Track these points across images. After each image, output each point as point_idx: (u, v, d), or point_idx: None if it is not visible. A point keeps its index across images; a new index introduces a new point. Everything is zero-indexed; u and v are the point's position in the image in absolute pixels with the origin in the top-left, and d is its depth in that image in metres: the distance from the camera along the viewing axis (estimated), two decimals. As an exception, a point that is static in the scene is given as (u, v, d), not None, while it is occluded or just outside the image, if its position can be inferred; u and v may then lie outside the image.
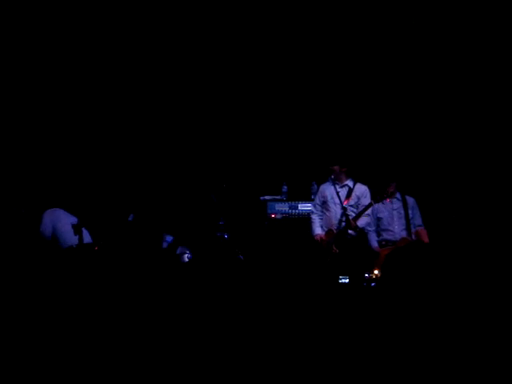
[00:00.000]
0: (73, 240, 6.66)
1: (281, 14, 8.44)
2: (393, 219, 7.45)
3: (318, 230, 7.11)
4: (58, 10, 7.91)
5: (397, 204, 7.49)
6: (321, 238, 7.03)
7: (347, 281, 7.05)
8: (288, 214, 8.39)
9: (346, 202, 7.01)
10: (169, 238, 8.39)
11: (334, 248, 6.87)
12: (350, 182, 7.13)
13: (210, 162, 9.01)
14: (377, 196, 7.00)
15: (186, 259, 8.06)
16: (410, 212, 7.43)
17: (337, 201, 7.06)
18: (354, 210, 7.01)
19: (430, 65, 8.56)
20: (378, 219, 7.50)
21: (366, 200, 7.02)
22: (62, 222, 6.85)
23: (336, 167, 7.13)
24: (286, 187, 8.49)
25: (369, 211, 6.99)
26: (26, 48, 8.10)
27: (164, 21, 8.33)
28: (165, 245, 8.24)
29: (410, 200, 7.54)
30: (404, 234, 7.37)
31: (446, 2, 8.13)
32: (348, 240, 6.91)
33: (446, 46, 8.41)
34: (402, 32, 8.46)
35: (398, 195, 7.52)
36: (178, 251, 8.25)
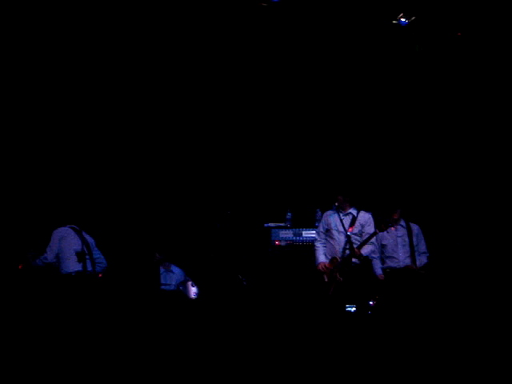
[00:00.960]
0: (74, 267, 6.65)
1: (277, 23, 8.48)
2: (397, 246, 7.43)
3: (322, 258, 7.08)
4: (58, 10, 7.93)
5: (401, 231, 7.47)
6: (325, 265, 7.00)
7: (354, 309, 7.01)
8: (292, 240, 8.39)
9: (350, 230, 7.00)
10: (175, 269, 8.40)
11: (338, 276, 6.84)
12: (353, 210, 7.12)
13: (214, 189, 9.04)
14: (381, 224, 6.96)
15: (192, 293, 8.06)
16: (414, 239, 7.41)
17: (341, 229, 7.04)
18: (358, 238, 6.99)
19: (433, 88, 8.61)
20: (383, 246, 7.49)
21: (370, 228, 7.00)
22: (68, 245, 6.80)
23: (340, 197, 7.12)
24: (290, 214, 8.50)
25: (373, 239, 6.96)
26: (26, 48, 8.12)
27: (164, 23, 8.36)
28: (170, 276, 8.26)
29: (415, 227, 7.53)
30: (408, 261, 7.35)
31: (444, 2, 8.18)
32: (352, 268, 6.89)
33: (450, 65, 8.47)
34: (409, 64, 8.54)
35: (402, 222, 7.51)
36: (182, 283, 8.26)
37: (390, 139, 8.84)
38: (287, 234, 8.40)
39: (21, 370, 3.97)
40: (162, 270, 8.23)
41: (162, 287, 7.99)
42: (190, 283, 8.18)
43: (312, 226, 8.28)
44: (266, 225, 8.50)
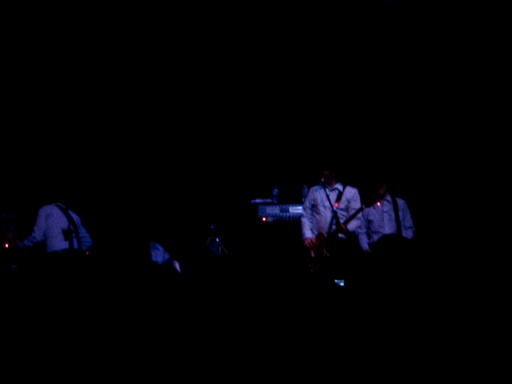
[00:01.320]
0: (60, 244, 6.63)
1: (276, 15, 8.44)
2: (383, 221, 7.46)
3: (309, 234, 7.09)
4: (58, 10, 7.87)
5: (387, 206, 7.49)
6: (311, 241, 7.02)
7: (342, 284, 7.05)
8: (279, 216, 8.39)
9: (336, 206, 7.01)
10: (159, 246, 8.39)
11: (325, 252, 6.86)
12: (339, 186, 7.12)
13: (200, 165, 9.01)
14: (367, 199, 6.98)
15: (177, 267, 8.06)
16: (400, 214, 7.44)
17: (327, 204, 7.04)
18: (344, 214, 7.01)
19: (416, 64, 8.59)
20: (369, 221, 7.51)
21: (356, 203, 7.02)
22: (54, 223, 6.78)
23: (326, 172, 7.12)
24: (276, 190, 8.48)
25: (359, 214, 6.98)
26: (26, 48, 8.08)
27: (164, 21, 8.32)
28: (156, 253, 8.24)
29: (401, 202, 7.55)
30: (394, 236, 7.40)
31: (445, 2, 8.15)
32: (339, 243, 6.91)
33: (437, 46, 8.44)
34: (393, 33, 8.49)
35: (388, 197, 7.52)
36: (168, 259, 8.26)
37: (377, 113, 8.82)
38: (274, 210, 8.40)
39: (9, 351, 3.96)
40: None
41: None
42: (174, 260, 8.18)
43: (299, 201, 8.28)
44: (252, 201, 8.49)
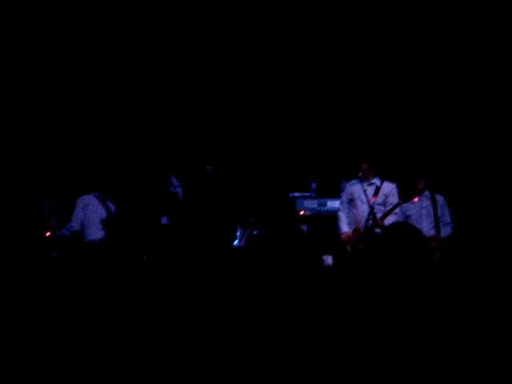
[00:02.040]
0: (97, 234, 6.75)
1: (295, 15, 8.42)
2: (421, 217, 7.36)
3: (345, 228, 7.08)
4: (58, 10, 7.97)
5: (426, 202, 7.39)
6: (348, 235, 7.01)
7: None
8: (317, 210, 8.38)
9: (372, 200, 6.97)
10: None
11: (361, 246, 6.84)
12: (377, 181, 7.08)
13: (240, 159, 9.05)
14: (405, 195, 6.93)
15: None
16: (439, 210, 7.34)
17: (364, 199, 7.01)
18: (382, 209, 6.95)
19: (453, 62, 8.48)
20: (407, 217, 7.42)
21: (394, 198, 6.96)
22: (92, 213, 6.90)
23: (365, 166, 7.08)
24: (315, 184, 8.48)
25: (397, 210, 6.92)
26: (26, 48, 8.21)
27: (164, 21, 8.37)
28: None
29: (440, 198, 7.44)
30: (433, 232, 7.28)
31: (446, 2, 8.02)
32: (375, 238, 6.85)
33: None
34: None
35: (427, 193, 7.42)
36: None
37: (416, 108, 8.72)
38: (312, 203, 8.40)
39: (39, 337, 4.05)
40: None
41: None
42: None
43: (337, 195, 8.23)
44: (290, 194, 8.50)
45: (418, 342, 2.44)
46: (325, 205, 8.36)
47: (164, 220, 6.95)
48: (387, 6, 8.23)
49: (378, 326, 2.53)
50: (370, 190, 7.04)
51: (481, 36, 8.13)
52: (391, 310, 2.56)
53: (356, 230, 6.97)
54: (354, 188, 7.13)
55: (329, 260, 7.81)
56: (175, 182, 7.07)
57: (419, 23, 8.35)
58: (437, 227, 7.29)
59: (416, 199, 7.13)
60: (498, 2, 7.80)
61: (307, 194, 8.49)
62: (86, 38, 8.32)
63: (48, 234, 6.98)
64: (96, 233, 6.76)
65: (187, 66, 8.90)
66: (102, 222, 6.73)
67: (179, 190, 7.06)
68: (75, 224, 6.87)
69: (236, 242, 8.09)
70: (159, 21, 8.37)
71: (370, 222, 6.87)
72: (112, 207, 7.09)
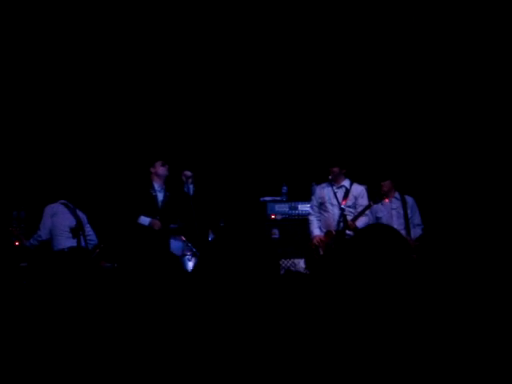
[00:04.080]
0: (67, 242, 6.67)
1: (279, 15, 8.44)
2: (392, 218, 7.42)
3: (317, 232, 7.10)
4: (58, 10, 7.91)
5: (396, 203, 7.46)
6: (320, 239, 7.03)
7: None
8: (288, 214, 8.38)
9: (343, 203, 7.00)
10: (172, 244, 8.40)
11: (333, 248, 6.86)
12: (346, 183, 7.13)
13: (211, 163, 9.02)
14: (375, 196, 7.00)
15: (189, 262, 8.07)
16: (409, 211, 7.40)
17: (334, 202, 7.05)
18: (352, 211, 7.01)
19: (420, 64, 8.55)
20: (377, 218, 7.48)
21: (364, 200, 7.02)
22: (61, 221, 6.81)
23: (336, 169, 7.12)
24: (285, 188, 8.48)
25: (367, 212, 6.98)
26: (26, 48, 8.13)
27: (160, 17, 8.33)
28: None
29: (409, 199, 7.51)
30: (403, 233, 7.33)
31: (445, 2, 8.11)
32: (347, 240, 6.90)
33: (439, 46, 8.40)
34: (394, 32, 8.46)
35: (397, 195, 7.49)
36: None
37: (383, 111, 8.78)
38: (283, 207, 8.40)
39: (13, 350, 3.97)
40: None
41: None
42: (186, 257, 8.20)
43: (308, 199, 8.21)
44: (261, 199, 8.49)
45: (396, 342, 2.44)
46: (296, 208, 8.37)
47: (142, 220, 6.99)
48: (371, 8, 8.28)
49: (356, 327, 2.53)
50: (340, 193, 7.09)
51: (460, 45, 8.23)
52: (369, 311, 2.56)
53: (328, 233, 7.00)
54: (324, 191, 7.18)
55: (301, 263, 7.82)
56: (157, 186, 7.16)
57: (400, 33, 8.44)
58: (407, 228, 7.35)
59: (386, 200, 7.20)
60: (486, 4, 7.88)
61: (278, 197, 8.48)
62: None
63: (17, 243, 6.87)
64: (65, 241, 6.68)
65: (161, 78, 8.87)
66: (71, 230, 6.65)
67: (159, 194, 7.16)
68: (43, 233, 6.77)
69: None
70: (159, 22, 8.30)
71: (342, 225, 6.90)
72: (80, 215, 7.02)
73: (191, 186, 7.14)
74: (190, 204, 7.07)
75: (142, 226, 7.00)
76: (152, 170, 7.19)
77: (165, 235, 7.21)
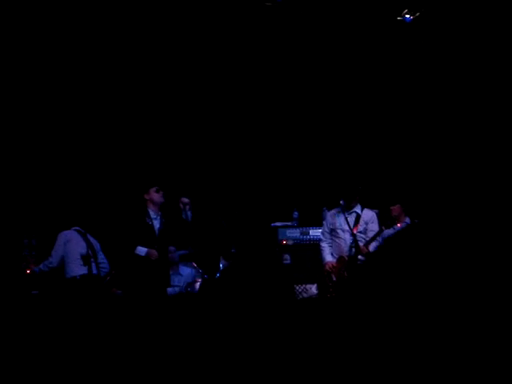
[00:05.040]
0: (79, 270, 6.65)
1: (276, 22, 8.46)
2: (402, 244, 7.38)
3: (329, 258, 7.05)
4: (58, 10, 7.93)
5: (406, 228, 7.43)
6: (332, 265, 6.98)
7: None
8: (299, 239, 8.34)
9: (355, 230, 6.97)
10: (183, 271, 8.38)
11: (347, 275, 6.82)
12: (358, 208, 7.10)
13: (221, 188, 9.04)
14: (387, 221, 6.96)
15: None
16: (419, 236, 7.36)
17: (346, 228, 7.01)
18: (363, 236, 6.97)
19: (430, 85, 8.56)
20: (388, 244, 7.44)
21: (374, 225, 6.99)
22: (73, 248, 6.78)
23: (349, 196, 7.08)
24: (296, 213, 8.45)
25: (379, 237, 6.94)
26: (26, 48, 8.16)
27: (166, 23, 8.34)
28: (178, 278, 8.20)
29: (420, 224, 7.48)
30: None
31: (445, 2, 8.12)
32: (359, 266, 6.86)
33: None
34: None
35: (407, 220, 7.47)
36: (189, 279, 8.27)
37: (395, 136, 8.79)
38: (294, 232, 8.36)
39: (24, 375, 3.98)
40: (170, 272, 8.21)
41: (170, 289, 7.98)
42: (198, 284, 8.18)
43: (319, 224, 8.17)
44: (272, 224, 8.47)
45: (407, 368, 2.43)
46: (307, 234, 8.33)
47: (138, 251, 6.84)
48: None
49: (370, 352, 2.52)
50: (351, 219, 7.05)
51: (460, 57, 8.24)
52: (382, 336, 2.54)
53: (340, 259, 6.95)
54: (335, 217, 7.14)
55: (313, 289, 7.77)
56: (153, 213, 7.00)
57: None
58: (417, 253, 7.29)
59: (398, 225, 7.17)
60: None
61: (289, 223, 8.45)
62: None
63: (28, 271, 6.87)
64: (77, 269, 6.66)
65: (159, 100, 8.91)
66: (83, 257, 6.64)
67: (156, 222, 7.01)
68: (54, 260, 6.76)
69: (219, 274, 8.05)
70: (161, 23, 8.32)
71: (353, 251, 6.86)
72: (93, 241, 7.01)
73: (189, 213, 7.00)
74: (189, 231, 6.97)
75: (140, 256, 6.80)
76: (146, 196, 6.93)
77: (163, 264, 7.04)
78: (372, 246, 6.89)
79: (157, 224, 6.95)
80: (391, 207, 7.33)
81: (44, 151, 8.49)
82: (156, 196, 6.91)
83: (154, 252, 6.76)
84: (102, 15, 8.01)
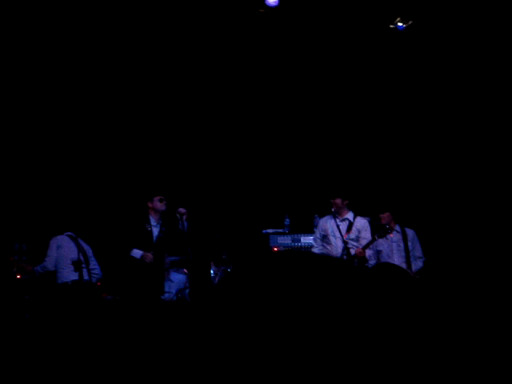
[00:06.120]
0: (70, 276, 6.67)
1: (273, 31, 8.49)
2: (392, 252, 7.39)
3: (319, 264, 7.07)
4: (58, 10, 7.93)
5: (396, 236, 7.42)
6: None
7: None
8: (291, 246, 8.36)
9: (346, 236, 7.00)
10: (174, 277, 8.38)
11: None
12: (350, 216, 7.12)
13: (212, 195, 9.05)
14: (380, 230, 6.95)
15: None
16: (409, 244, 7.38)
17: (337, 234, 7.04)
18: (355, 244, 6.99)
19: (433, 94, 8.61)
20: (378, 252, 7.44)
21: (367, 233, 7.01)
22: (65, 254, 6.81)
23: (338, 200, 7.11)
24: (288, 220, 8.47)
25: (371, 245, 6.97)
26: (26, 48, 8.16)
27: (164, 26, 8.34)
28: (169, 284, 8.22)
29: (410, 232, 7.49)
30: (404, 266, 7.31)
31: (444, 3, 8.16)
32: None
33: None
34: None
35: (397, 227, 7.47)
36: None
37: (387, 143, 8.83)
38: (285, 239, 8.38)
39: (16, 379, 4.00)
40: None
41: (162, 296, 7.99)
42: (188, 290, 8.18)
43: (310, 231, 8.23)
44: (264, 231, 8.49)
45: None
46: (298, 241, 8.35)
47: (134, 253, 6.95)
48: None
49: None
50: (343, 226, 7.08)
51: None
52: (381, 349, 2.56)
53: (331, 266, 6.97)
54: (327, 224, 7.17)
55: None
56: (153, 221, 7.17)
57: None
58: (408, 261, 7.32)
59: (391, 235, 7.17)
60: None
61: (280, 230, 8.47)
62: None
63: (18, 276, 6.89)
64: (69, 274, 6.68)
65: (159, 109, 8.94)
66: (74, 263, 6.66)
67: (155, 229, 7.16)
68: (49, 264, 6.78)
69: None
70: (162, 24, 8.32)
71: (345, 258, 6.89)
72: (85, 246, 7.03)
73: (186, 223, 7.14)
74: (185, 240, 7.06)
75: (135, 258, 6.95)
76: (149, 204, 7.19)
77: (158, 269, 7.17)
78: (366, 254, 6.91)
79: (156, 231, 7.19)
80: (381, 215, 7.34)
81: (38, 156, 8.49)
82: (159, 205, 7.17)
83: (149, 255, 6.96)
84: (102, 16, 8.01)
